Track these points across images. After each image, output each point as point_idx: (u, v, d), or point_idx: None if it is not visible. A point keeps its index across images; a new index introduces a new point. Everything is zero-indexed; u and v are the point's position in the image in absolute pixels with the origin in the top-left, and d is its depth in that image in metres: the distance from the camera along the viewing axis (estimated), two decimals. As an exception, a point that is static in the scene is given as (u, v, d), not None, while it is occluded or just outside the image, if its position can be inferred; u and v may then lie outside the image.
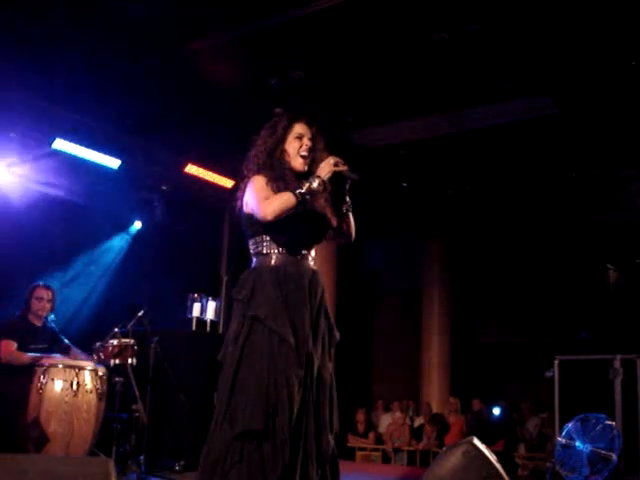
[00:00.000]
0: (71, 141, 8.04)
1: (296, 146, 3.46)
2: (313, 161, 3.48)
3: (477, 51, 7.49)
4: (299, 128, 3.48)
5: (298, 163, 3.46)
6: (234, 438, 3.01)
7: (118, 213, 9.37)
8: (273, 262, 3.28)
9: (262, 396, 3.04)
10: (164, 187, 9.60)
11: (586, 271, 12.97)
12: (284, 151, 3.45)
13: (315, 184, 3.28)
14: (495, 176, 10.85)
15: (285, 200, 3.24)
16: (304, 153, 3.46)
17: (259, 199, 3.28)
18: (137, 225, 9.79)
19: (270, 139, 3.45)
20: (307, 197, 3.28)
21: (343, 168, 3.34)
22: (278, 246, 3.30)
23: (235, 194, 3.52)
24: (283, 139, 3.45)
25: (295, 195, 3.25)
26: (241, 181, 3.50)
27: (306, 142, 3.47)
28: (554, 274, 13.06)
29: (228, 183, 9.14)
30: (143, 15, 6.89)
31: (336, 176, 3.48)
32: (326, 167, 3.32)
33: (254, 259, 3.36)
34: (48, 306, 6.43)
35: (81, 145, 8.17)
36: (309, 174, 3.43)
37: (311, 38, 7.22)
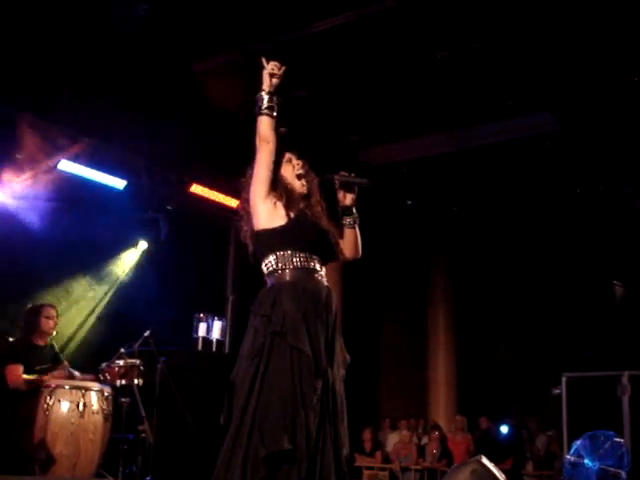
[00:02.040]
0: (76, 162, 8.07)
1: (289, 169, 3.48)
2: (309, 196, 3.49)
3: (480, 69, 7.53)
4: (286, 155, 3.51)
5: (297, 185, 3.47)
6: (263, 458, 2.96)
7: (124, 233, 9.39)
8: (288, 278, 3.26)
9: (287, 415, 3.01)
10: (169, 207, 9.63)
11: (592, 287, 12.95)
12: (281, 177, 3.46)
13: (265, 100, 3.36)
14: (500, 193, 10.86)
15: (261, 127, 3.34)
16: (300, 172, 3.48)
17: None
18: (143, 245, 9.81)
19: None
20: (273, 108, 3.36)
21: (279, 72, 3.39)
22: (291, 262, 3.29)
23: (240, 221, 3.52)
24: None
25: (262, 115, 3.35)
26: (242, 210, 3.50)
27: (296, 162, 3.50)
28: (560, 291, 13.03)
29: (233, 202, 9.15)
30: (147, 36, 6.95)
31: (344, 184, 3.51)
32: (264, 77, 3.39)
33: (269, 280, 3.33)
34: (55, 325, 6.43)
35: (86, 166, 8.20)
36: (308, 197, 3.47)
37: (315, 57, 7.27)
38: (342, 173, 3.53)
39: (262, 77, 3.40)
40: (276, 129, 3.37)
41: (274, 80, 3.38)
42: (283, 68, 3.40)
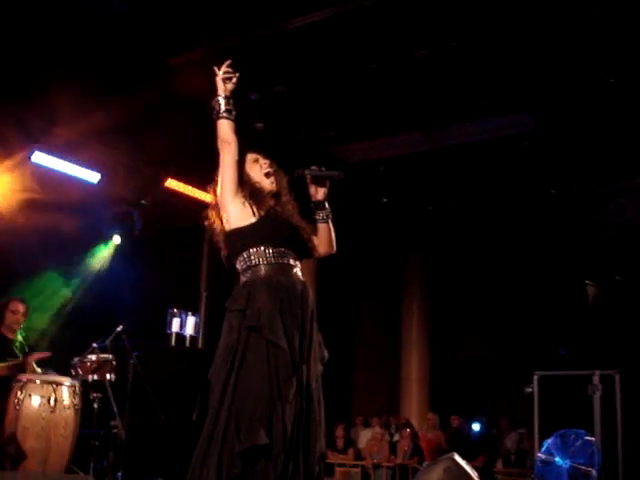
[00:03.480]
0: (50, 154, 7.99)
1: (256, 168, 3.49)
2: (279, 195, 3.50)
3: (457, 68, 7.54)
4: (251, 156, 3.52)
5: (266, 184, 3.47)
6: (239, 454, 2.95)
7: (97, 227, 9.32)
8: (263, 273, 3.26)
9: (264, 409, 3.00)
10: (144, 201, 9.57)
11: (565, 287, 13.03)
12: (248, 176, 3.47)
13: (222, 105, 3.37)
14: (475, 192, 10.90)
15: (221, 130, 3.35)
16: (267, 170, 3.49)
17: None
18: (116, 239, 9.73)
19: None
20: (231, 111, 3.37)
21: (232, 76, 3.40)
22: (265, 258, 3.29)
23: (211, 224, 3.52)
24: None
25: (220, 118, 3.36)
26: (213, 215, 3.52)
27: (263, 162, 3.51)
28: (533, 290, 13.11)
29: (208, 198, 9.09)
30: (124, 30, 6.90)
31: (315, 178, 3.50)
32: (218, 84, 3.40)
33: (243, 277, 3.33)
34: (22, 319, 6.39)
35: (60, 159, 8.13)
36: (278, 196, 3.47)
37: (292, 53, 7.24)
38: (313, 167, 3.51)
39: (216, 84, 3.41)
40: (235, 130, 3.39)
41: (228, 85, 3.41)
42: (237, 74, 3.42)
